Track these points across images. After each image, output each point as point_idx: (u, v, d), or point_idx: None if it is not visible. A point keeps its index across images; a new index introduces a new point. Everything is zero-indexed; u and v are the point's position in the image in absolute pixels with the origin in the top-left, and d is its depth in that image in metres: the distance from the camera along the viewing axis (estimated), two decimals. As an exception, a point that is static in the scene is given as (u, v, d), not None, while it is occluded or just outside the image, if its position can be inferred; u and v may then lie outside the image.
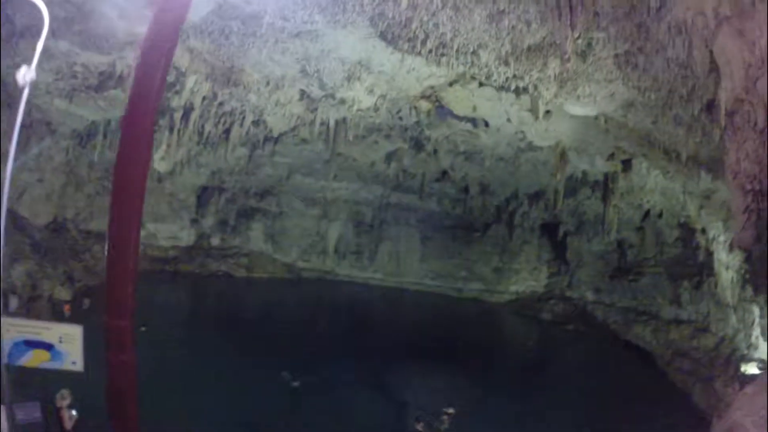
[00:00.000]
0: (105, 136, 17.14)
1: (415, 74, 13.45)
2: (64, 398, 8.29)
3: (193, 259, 23.45)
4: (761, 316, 12.87)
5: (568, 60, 10.52)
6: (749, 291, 13.61)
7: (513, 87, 13.08)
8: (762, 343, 12.80)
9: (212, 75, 13.10)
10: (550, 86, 12.76)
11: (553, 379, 17.65)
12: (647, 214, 18.54)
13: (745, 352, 13.49)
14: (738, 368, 13.07)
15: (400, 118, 18.15)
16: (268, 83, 14.12)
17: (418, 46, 11.35)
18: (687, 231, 17.20)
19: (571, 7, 9.65)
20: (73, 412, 8.36)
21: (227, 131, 16.49)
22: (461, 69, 12.57)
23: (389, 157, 21.61)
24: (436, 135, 18.58)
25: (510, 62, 11.80)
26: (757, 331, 13.08)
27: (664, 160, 15.08)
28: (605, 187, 17.96)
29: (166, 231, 23.12)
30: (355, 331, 19.40)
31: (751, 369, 12.38)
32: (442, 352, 17.98)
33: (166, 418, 10.32)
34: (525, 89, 13.16)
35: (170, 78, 13.70)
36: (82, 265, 18.02)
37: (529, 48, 11.44)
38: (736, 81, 8.12)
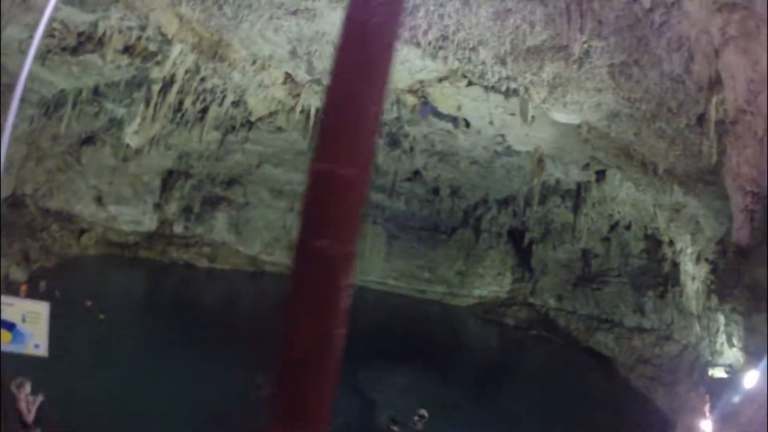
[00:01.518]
0: (74, 106, 16.04)
1: (408, 66, 13.31)
2: (22, 386, 7.59)
3: (153, 246, 22.45)
4: (726, 324, 13.36)
5: (574, 62, 10.69)
6: (714, 300, 14.11)
7: (504, 88, 13.15)
8: (727, 350, 13.30)
9: (199, 47, 12.50)
10: (541, 90, 12.89)
11: (516, 382, 17.87)
12: (615, 225, 19.04)
13: (710, 358, 13.99)
14: (703, 374, 13.53)
15: (381, 113, 17.98)
16: (254, 62, 13.64)
17: (419, 36, 11.22)
18: (653, 243, 17.75)
19: (581, 12, 9.82)
20: (39, 398, 7.67)
21: (204, 110, 15.77)
22: (456, 65, 12.53)
23: (362, 153, 21.35)
24: (414, 132, 18.52)
25: (507, 62, 11.85)
26: (722, 338, 13.58)
27: (638, 172, 15.52)
28: (577, 195, 18.34)
29: (127, 214, 22.07)
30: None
31: (719, 373, 12.85)
32: (407, 353, 17.83)
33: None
34: (515, 91, 13.25)
35: (153, 46, 13.04)
36: (39, 244, 16.99)
37: (528, 49, 11.52)
38: (738, 94, 8.75)
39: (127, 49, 13.13)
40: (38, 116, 16.66)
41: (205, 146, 20.50)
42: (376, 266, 26.09)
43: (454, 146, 19.10)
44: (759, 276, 11.97)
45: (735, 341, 13.10)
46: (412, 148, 19.70)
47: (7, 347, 7.36)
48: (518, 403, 15.31)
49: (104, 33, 12.12)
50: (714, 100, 10.49)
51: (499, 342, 22.48)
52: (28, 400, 7.55)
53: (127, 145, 17.65)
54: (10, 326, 7.39)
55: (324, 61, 13.37)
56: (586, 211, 18.36)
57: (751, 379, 10.45)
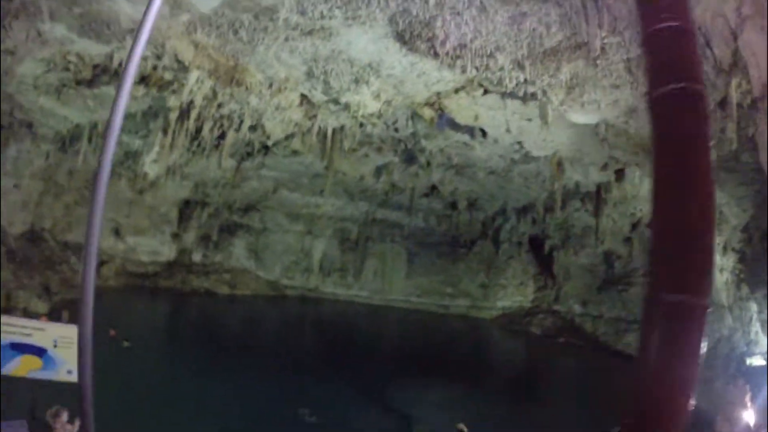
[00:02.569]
0: (90, 140, 16.16)
1: (425, 79, 13.37)
2: (58, 416, 6.91)
3: (173, 275, 22.47)
4: (759, 311, 13.14)
5: (596, 58, 10.75)
6: (745, 289, 13.92)
7: (522, 93, 13.15)
8: (762, 338, 13.05)
9: (215, 72, 12.60)
10: (559, 92, 12.90)
11: (549, 390, 17.60)
12: (636, 224, 18.90)
13: (744, 349, 13.71)
14: (740, 364, 13.27)
15: (396, 130, 18.07)
16: (270, 85, 13.74)
17: (437, 46, 11.26)
18: (677, 240, 17.56)
19: (597, 8, 9.91)
20: (77, 424, 6.89)
21: (222, 137, 15.84)
22: (473, 73, 12.56)
23: (379, 171, 21.46)
24: (431, 146, 18.55)
25: (525, 66, 11.87)
26: (756, 327, 13.34)
27: (659, 168, 15.46)
28: (598, 197, 18.25)
29: (146, 245, 22.14)
30: (350, 349, 18.92)
31: (757, 361, 12.60)
32: (436, 369, 17.62)
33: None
34: (533, 95, 13.26)
35: (169, 75, 13.15)
36: (59, 277, 16.99)
37: (545, 52, 11.56)
38: (762, 70, 8.94)
39: (143, 79, 13.22)
40: (54, 151, 16.86)
41: (221, 174, 20.63)
42: (398, 284, 26.01)
43: (471, 158, 19.11)
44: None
45: (770, 327, 12.88)
46: (429, 163, 19.74)
47: (38, 374, 7.11)
48: (553, 410, 15.06)
49: (120, 64, 12.13)
50: (733, 82, 10.59)
51: (527, 352, 22.19)
52: (65, 429, 6.97)
53: (145, 175, 17.73)
54: (40, 352, 7.18)
55: (340, 80, 13.50)
56: (608, 212, 18.25)
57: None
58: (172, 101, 13.64)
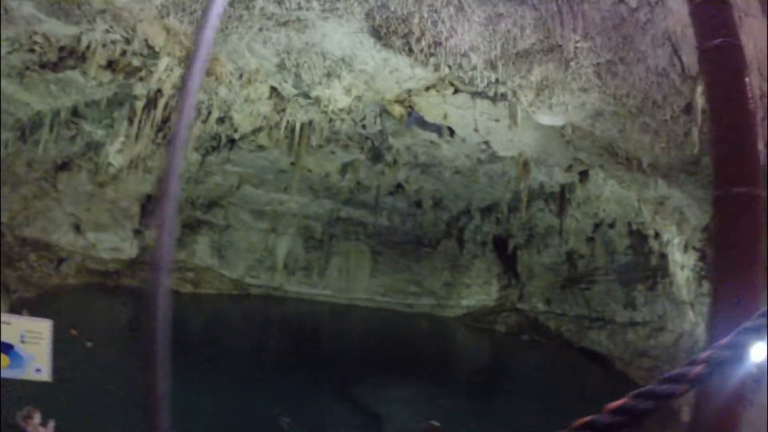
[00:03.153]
0: (51, 129, 15.44)
1: (397, 75, 13.43)
2: (30, 417, 6.46)
3: (136, 273, 21.76)
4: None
5: (569, 60, 11.01)
6: (706, 286, 14.53)
7: (492, 93, 13.35)
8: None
9: (186, 60, 12.30)
10: (528, 93, 13.15)
11: (513, 386, 17.92)
12: (599, 224, 19.43)
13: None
14: (704, 357, 13.79)
15: (364, 127, 18.08)
16: (240, 76, 13.53)
17: (412, 43, 11.34)
18: (638, 238, 18.15)
19: (573, 13, 10.19)
20: (51, 424, 6.60)
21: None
22: (446, 71, 12.69)
23: (345, 169, 21.39)
24: (399, 144, 18.63)
25: (498, 66, 12.06)
26: (717, 322, 13.93)
27: (622, 169, 15.94)
28: (562, 198, 18.69)
29: (107, 242, 21.37)
30: (317, 349, 18.83)
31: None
32: (402, 367, 17.69)
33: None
34: (503, 95, 13.48)
35: (137, 61, 12.76)
36: (17, 274, 16.22)
37: (517, 53, 11.79)
38: None
39: (110, 65, 12.79)
40: (13, 140, 16.09)
41: (185, 168, 20.11)
42: (362, 283, 25.94)
43: (438, 156, 19.27)
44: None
45: (732, 323, 13.43)
46: (395, 161, 19.79)
47: (4, 372, 6.55)
48: (519, 405, 15.36)
49: (88, 47, 11.64)
50: (698, 89, 11.09)
51: (491, 349, 22.55)
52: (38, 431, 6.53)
53: (108, 167, 17.10)
54: (7, 348, 6.62)
55: (312, 73, 13.39)
56: (572, 212, 18.72)
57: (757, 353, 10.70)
58: (139, 89, 13.24)
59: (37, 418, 6.51)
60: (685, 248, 15.94)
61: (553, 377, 18.39)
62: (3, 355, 6.53)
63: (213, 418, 11.14)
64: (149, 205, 22.13)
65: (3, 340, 6.51)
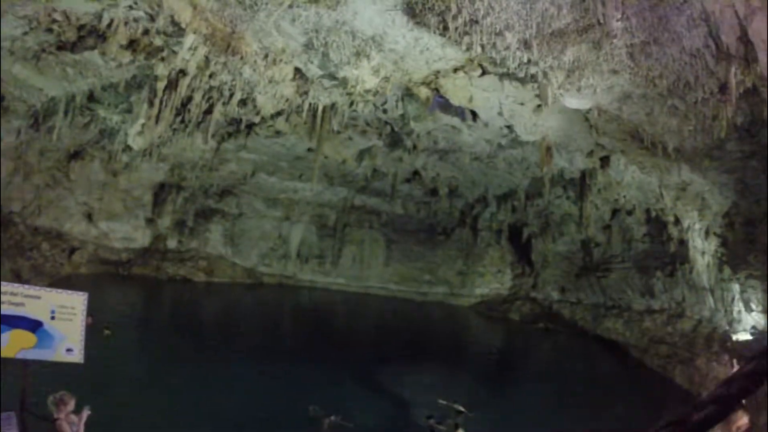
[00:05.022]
0: (66, 114, 15.07)
1: (427, 56, 13.21)
2: (63, 403, 5.61)
3: (148, 263, 21.57)
4: (742, 291, 13.69)
5: (604, 40, 10.85)
6: (728, 271, 14.49)
7: (523, 73, 13.16)
8: (746, 316, 13.60)
9: (212, 38, 12.01)
10: (559, 75, 12.97)
11: (530, 372, 17.88)
12: (617, 212, 19.34)
13: (727, 328, 14.26)
14: (724, 342, 13.81)
15: (384, 111, 17.88)
16: (266, 56, 13.21)
17: (448, 20, 11.13)
18: (656, 225, 18.06)
19: (614, -9, 10.02)
20: (85, 412, 5.80)
21: (208, 111, 15.12)
22: (478, 51, 12.45)
23: (362, 155, 21.20)
24: (420, 129, 18.43)
25: (532, 46, 11.85)
26: (739, 306, 13.91)
27: (645, 154, 15.84)
28: (582, 183, 18.57)
29: (119, 231, 21.16)
30: (333, 337, 18.72)
31: (743, 336, 13.14)
32: (420, 353, 17.69)
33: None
34: (534, 77, 13.31)
35: (159, 40, 12.39)
36: (30, 263, 15.97)
37: (552, 33, 11.59)
38: None
39: (131, 44, 12.45)
40: (26, 128, 15.75)
41: (200, 155, 19.90)
42: (376, 272, 25.84)
43: (457, 142, 19.10)
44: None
45: (754, 305, 13.42)
46: (414, 147, 19.59)
47: (30, 353, 5.88)
48: (536, 391, 15.35)
49: (109, 24, 11.22)
50: (732, 69, 11.00)
51: (506, 337, 22.48)
52: (71, 420, 5.66)
53: (126, 150, 16.81)
54: (34, 326, 5.93)
55: (341, 53, 13.15)
56: (591, 198, 18.61)
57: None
58: (161, 69, 12.91)
59: (71, 405, 5.73)
60: (707, 234, 15.87)
61: (567, 364, 18.43)
62: (30, 334, 5.90)
63: (241, 405, 10.98)
64: (162, 193, 21.92)
65: (31, 316, 5.89)
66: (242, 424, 10.10)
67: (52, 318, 6.09)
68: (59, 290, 6.68)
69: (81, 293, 6.54)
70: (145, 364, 13.23)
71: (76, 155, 18.75)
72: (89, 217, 20.08)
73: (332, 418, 10.77)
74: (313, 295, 24.81)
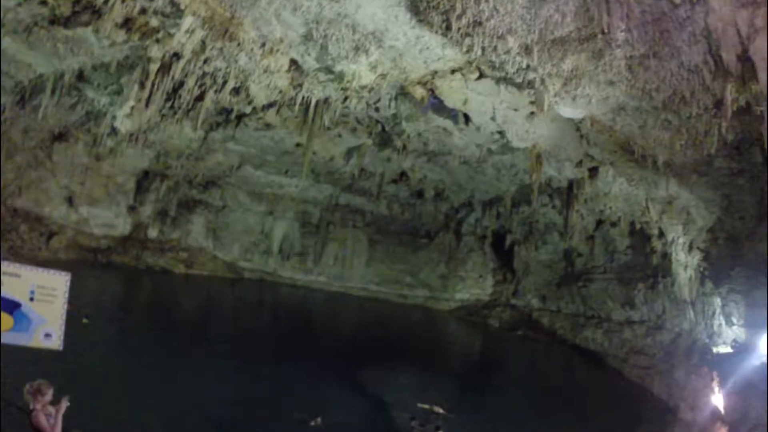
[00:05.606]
0: (53, 93, 14.58)
1: (426, 55, 13.13)
2: (41, 393, 5.24)
3: (128, 251, 21.09)
4: (724, 305, 13.90)
5: (604, 51, 10.92)
6: (709, 285, 14.70)
7: (520, 79, 13.18)
8: (726, 330, 13.81)
9: (210, 22, 11.76)
10: (556, 82, 13.02)
11: (508, 379, 17.97)
12: (600, 223, 19.53)
13: (707, 341, 14.46)
14: (704, 354, 14.02)
15: (377, 109, 17.77)
16: (263, 44, 12.98)
17: (452, 20, 11.07)
18: (640, 237, 18.28)
19: (620, 3, 10.10)
20: (64, 403, 5.41)
21: (199, 98, 14.81)
22: (478, 53, 12.43)
23: (350, 153, 21.06)
24: (411, 130, 18.36)
25: (533, 51, 11.85)
26: (719, 320, 14.11)
27: (634, 167, 16.00)
28: (569, 193, 18.70)
29: (100, 217, 20.65)
30: (313, 336, 18.58)
31: (723, 349, 13.35)
32: (400, 356, 17.60)
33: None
34: (531, 83, 13.33)
35: (155, 21, 12.07)
36: (8, 245, 15.44)
37: (554, 40, 11.63)
38: None
39: (126, 23, 12.11)
40: (11, 105, 15.23)
41: (186, 144, 19.52)
42: (357, 272, 25.71)
43: (447, 144, 19.08)
44: (760, 250, 12.66)
45: (735, 319, 13.63)
46: (404, 147, 19.50)
47: (6, 336, 5.40)
48: (514, 397, 15.52)
49: (106, 1, 10.90)
50: (729, 86, 11.16)
51: (485, 343, 22.57)
52: (48, 412, 5.28)
53: (112, 134, 16.36)
54: (12, 306, 5.46)
55: (339, 46, 12.99)
56: (577, 208, 18.75)
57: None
58: (155, 51, 12.60)
59: (49, 395, 5.32)
60: (690, 248, 16.09)
61: (545, 372, 18.66)
62: (5, 315, 5.39)
63: (218, 405, 10.75)
64: (146, 181, 21.45)
65: (8, 296, 5.38)
66: (218, 423, 9.86)
67: (31, 299, 5.63)
68: (40, 268, 6.10)
69: (64, 273, 6.03)
70: (118, 357, 12.84)
71: (60, 137, 18.25)
72: (70, 201, 19.57)
73: (318, 419, 10.65)
74: (293, 292, 24.57)
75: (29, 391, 5.24)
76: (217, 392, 11.13)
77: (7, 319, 5.44)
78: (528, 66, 12.53)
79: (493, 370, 18.96)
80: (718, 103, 11.61)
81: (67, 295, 6.15)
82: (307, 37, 12.83)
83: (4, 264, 5.59)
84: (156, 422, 9.28)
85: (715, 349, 13.62)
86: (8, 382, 6.04)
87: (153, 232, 22.51)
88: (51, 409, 5.31)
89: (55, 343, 5.81)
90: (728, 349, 13.16)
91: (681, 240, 16.43)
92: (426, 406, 12.55)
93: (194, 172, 22.32)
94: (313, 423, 10.53)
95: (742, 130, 12.21)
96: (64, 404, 5.39)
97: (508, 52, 12.13)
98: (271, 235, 24.75)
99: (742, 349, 12.46)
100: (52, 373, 5.87)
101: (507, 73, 13.04)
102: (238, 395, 11.24)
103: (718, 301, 14.37)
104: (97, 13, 11.63)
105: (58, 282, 5.93)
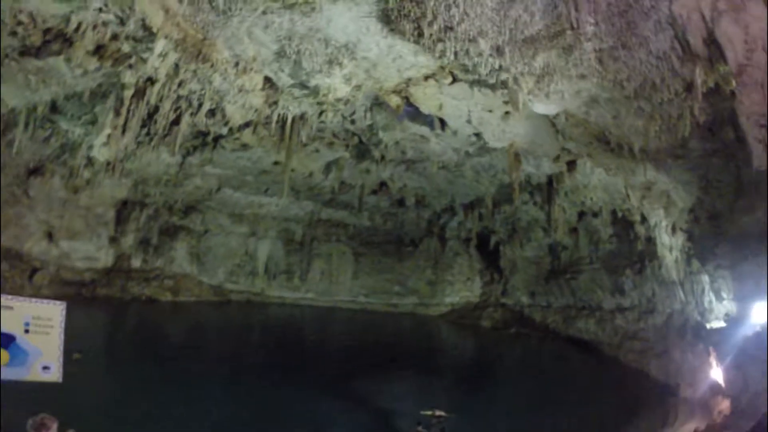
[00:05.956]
0: (26, 127, 14.35)
1: (399, 63, 13.31)
2: (45, 428, 4.90)
3: (112, 283, 20.73)
4: (712, 282, 14.16)
5: (574, 46, 11.19)
6: (696, 264, 14.99)
7: (494, 80, 13.39)
8: (717, 306, 14.06)
9: (183, 44, 11.74)
10: (529, 81, 13.26)
11: (505, 376, 18.04)
12: (582, 215, 19.82)
13: (699, 318, 14.71)
14: (698, 332, 14.24)
15: (353, 122, 17.88)
16: (236, 64, 13.03)
17: (424, 27, 11.24)
18: (623, 225, 18.59)
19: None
20: None
21: (175, 122, 14.72)
22: (450, 58, 12.61)
23: (328, 168, 21.09)
24: (388, 139, 18.47)
25: (504, 52, 12.07)
26: (710, 297, 14.37)
27: (610, 156, 16.31)
28: (549, 188, 18.98)
29: (81, 250, 20.27)
30: (307, 353, 18.43)
31: (717, 324, 13.60)
32: (396, 364, 17.58)
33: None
34: (504, 83, 13.55)
35: (127, 47, 11.97)
36: (-11, 285, 15.07)
37: (524, 40, 11.87)
38: (738, 53, 10.42)
39: (98, 50, 12.01)
40: (-18, 142, 14.95)
41: (164, 171, 19.35)
42: (345, 285, 25.69)
43: (425, 151, 19.25)
44: (745, 224, 12.98)
45: (724, 294, 13.88)
46: (383, 157, 19.63)
47: (3, 372, 5.26)
48: (514, 392, 15.48)
49: (77, 28, 10.76)
50: (697, 69, 11.50)
51: (479, 343, 22.62)
52: None
53: (89, 164, 16.12)
54: (8, 341, 5.31)
55: (313, 61, 13.07)
56: (559, 202, 19.03)
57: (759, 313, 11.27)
58: (128, 77, 12.51)
59: (53, 429, 4.97)
60: (673, 230, 16.41)
61: (541, 366, 18.77)
62: (2, 350, 5.27)
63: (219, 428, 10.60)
64: (125, 211, 21.15)
65: (3, 329, 5.24)
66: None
67: (26, 331, 5.45)
68: (34, 299, 5.96)
69: (59, 303, 5.86)
70: (110, 388, 12.55)
71: (35, 171, 17.94)
72: (50, 236, 19.20)
73: None
74: (282, 311, 24.40)
75: (32, 425, 4.88)
76: (217, 415, 10.99)
77: (3, 354, 5.29)
78: (500, 67, 12.75)
79: (490, 369, 18.99)
80: (689, 87, 11.96)
81: (63, 324, 5.94)
82: (280, 54, 12.89)
83: (2, 297, 5.44)
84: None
85: (708, 325, 13.85)
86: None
87: (136, 262, 22.20)
88: None
89: (54, 375, 5.63)
90: (722, 324, 13.40)
91: (663, 223, 16.75)
92: (429, 412, 12.55)
93: (173, 198, 22.10)
94: None
95: (713, 110, 12.52)
96: None
97: (480, 54, 12.35)
98: (255, 255, 24.62)
99: (734, 322, 12.69)
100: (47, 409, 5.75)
101: (480, 76, 13.26)
102: (238, 418, 11.08)
103: (706, 278, 14.62)
104: (68, 42, 11.50)
105: (53, 312, 5.77)
